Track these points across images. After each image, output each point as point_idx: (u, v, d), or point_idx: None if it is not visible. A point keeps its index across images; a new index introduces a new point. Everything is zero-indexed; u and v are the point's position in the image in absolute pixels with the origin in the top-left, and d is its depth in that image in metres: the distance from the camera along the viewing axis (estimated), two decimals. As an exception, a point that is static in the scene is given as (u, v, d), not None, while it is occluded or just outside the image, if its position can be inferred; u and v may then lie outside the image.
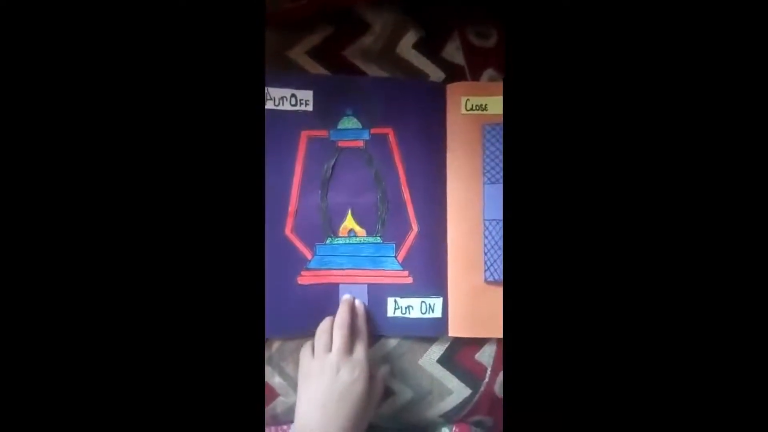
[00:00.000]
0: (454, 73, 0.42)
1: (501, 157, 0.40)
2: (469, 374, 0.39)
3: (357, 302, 0.38)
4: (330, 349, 0.35)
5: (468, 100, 0.41)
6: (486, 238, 0.39)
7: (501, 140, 0.40)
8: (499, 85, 0.41)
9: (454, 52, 0.43)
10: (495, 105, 0.41)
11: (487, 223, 0.39)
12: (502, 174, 0.39)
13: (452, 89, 0.41)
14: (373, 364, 0.35)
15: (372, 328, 0.39)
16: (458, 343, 0.40)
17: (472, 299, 0.39)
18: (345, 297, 0.38)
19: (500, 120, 0.40)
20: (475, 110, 0.41)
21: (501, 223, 0.39)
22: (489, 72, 0.43)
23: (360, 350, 0.35)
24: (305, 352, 0.36)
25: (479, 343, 0.40)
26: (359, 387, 0.33)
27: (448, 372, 0.39)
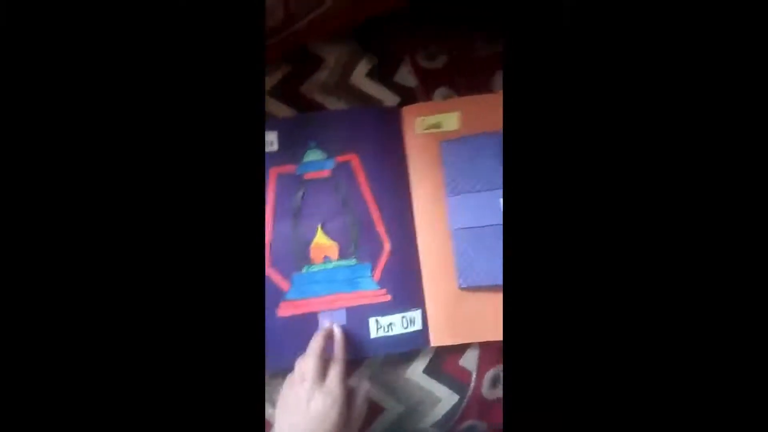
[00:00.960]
0: (408, 96, 0.45)
1: (460, 170, 0.42)
2: (455, 381, 0.41)
3: (334, 327, 0.39)
4: (304, 379, 0.34)
5: (423, 120, 0.43)
6: (455, 246, 0.41)
7: (458, 154, 0.42)
8: (450, 102, 0.44)
9: (406, 75, 0.46)
10: (448, 122, 0.43)
11: (454, 232, 0.41)
12: (462, 186, 0.41)
13: (407, 111, 0.44)
14: (350, 390, 0.35)
15: (355, 352, 0.40)
16: (442, 351, 0.41)
17: (449, 307, 0.41)
18: (322, 327, 0.39)
19: (455, 135, 0.43)
20: (430, 129, 0.43)
21: (467, 231, 0.41)
22: (441, 90, 0.45)
23: (333, 377, 0.34)
24: (286, 382, 0.36)
25: (461, 349, 0.41)
26: (333, 416, 0.32)
27: (435, 381, 0.41)
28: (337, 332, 0.38)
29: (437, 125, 0.43)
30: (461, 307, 0.41)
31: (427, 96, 0.45)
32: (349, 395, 0.34)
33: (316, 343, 0.36)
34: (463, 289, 0.41)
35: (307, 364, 0.35)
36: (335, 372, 0.35)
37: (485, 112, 0.43)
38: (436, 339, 0.41)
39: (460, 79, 0.45)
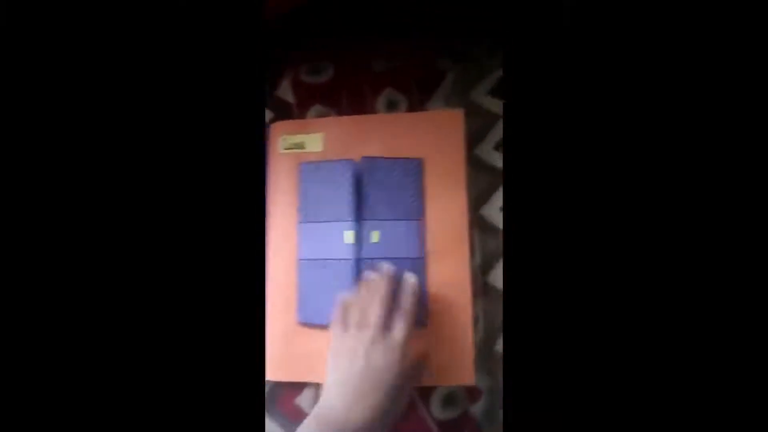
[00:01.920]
0: (284, 111, 0.42)
1: (313, 195, 0.39)
2: (286, 420, 0.38)
3: (408, 276, 0.33)
4: (364, 325, 0.31)
5: (285, 138, 0.40)
6: (299, 278, 0.38)
7: (314, 179, 0.39)
8: (318, 122, 0.41)
9: (286, 90, 0.43)
10: (312, 143, 0.40)
11: (299, 262, 0.38)
12: (313, 213, 0.39)
13: (274, 128, 0.41)
14: (413, 348, 0.31)
15: None
16: (278, 387, 0.39)
17: (287, 342, 0.38)
18: (386, 268, 0.33)
19: (316, 158, 0.40)
20: (293, 149, 0.40)
21: (312, 263, 0.38)
22: (316, 108, 0.42)
23: (399, 330, 0.30)
24: (336, 325, 0.32)
25: (300, 387, 0.39)
26: (393, 373, 0.29)
27: (268, 418, 0.38)
28: (410, 278, 0.33)
29: (300, 145, 0.40)
30: (299, 342, 0.38)
31: (301, 113, 0.42)
32: (411, 354, 0.30)
33: (384, 287, 0.32)
34: (301, 324, 0.38)
35: (372, 309, 0.31)
36: (402, 323, 0.31)
37: (351, 135, 0.40)
38: (272, 373, 0.38)
39: (342, 97, 0.42)
